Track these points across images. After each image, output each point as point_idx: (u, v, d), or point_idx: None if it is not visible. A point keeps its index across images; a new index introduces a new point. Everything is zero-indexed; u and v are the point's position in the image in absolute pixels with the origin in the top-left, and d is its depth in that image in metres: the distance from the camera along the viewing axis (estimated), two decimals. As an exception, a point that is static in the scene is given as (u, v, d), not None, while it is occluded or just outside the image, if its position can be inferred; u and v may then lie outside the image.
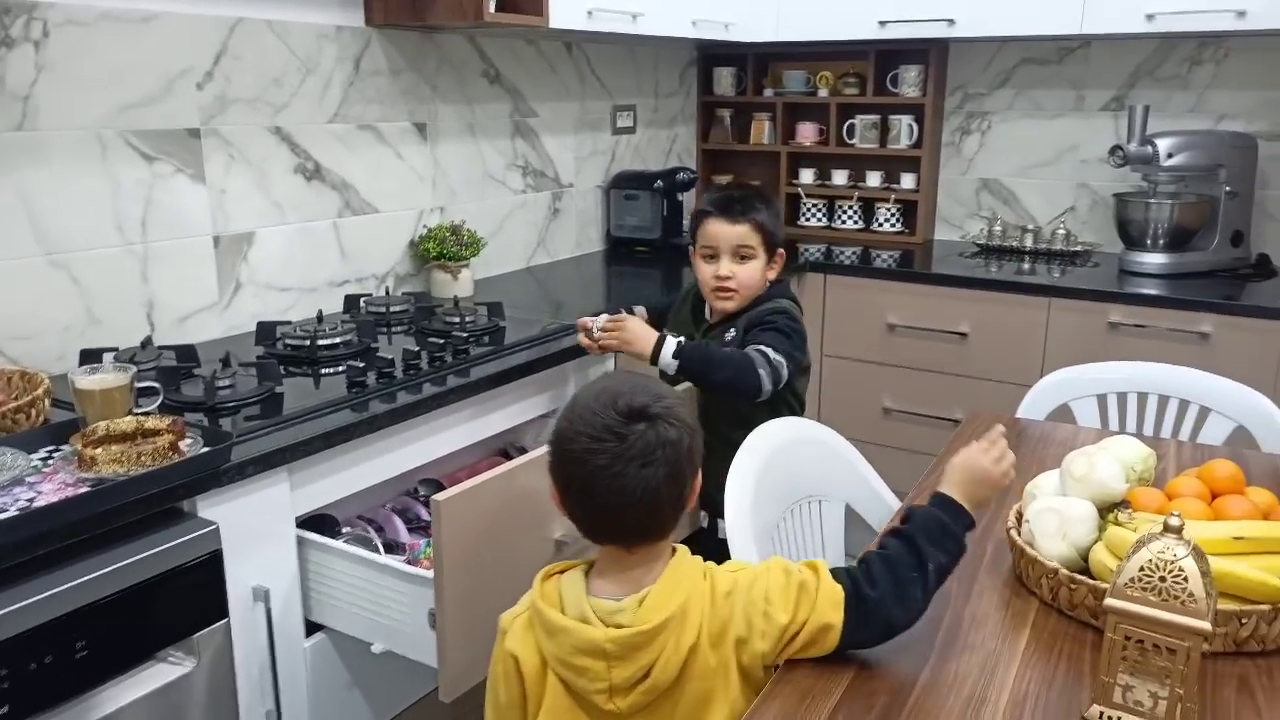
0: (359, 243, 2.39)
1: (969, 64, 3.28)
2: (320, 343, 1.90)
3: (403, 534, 1.78)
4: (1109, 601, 1.01)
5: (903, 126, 3.28)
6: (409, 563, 1.57)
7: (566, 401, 1.14)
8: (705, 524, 1.91)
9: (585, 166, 3.13)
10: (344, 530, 1.73)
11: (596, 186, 3.20)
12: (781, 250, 1.85)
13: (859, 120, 3.36)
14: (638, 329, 1.73)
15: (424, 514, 1.86)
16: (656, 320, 2.01)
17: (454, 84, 2.58)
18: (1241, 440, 1.91)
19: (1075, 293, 2.67)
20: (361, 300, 2.27)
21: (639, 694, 1.06)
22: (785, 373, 1.75)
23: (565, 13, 2.34)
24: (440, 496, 1.32)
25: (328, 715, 1.66)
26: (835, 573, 1.11)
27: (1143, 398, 2.06)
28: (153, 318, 1.97)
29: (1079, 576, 1.19)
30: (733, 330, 1.85)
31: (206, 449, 1.41)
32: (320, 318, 2.04)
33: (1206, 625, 0.96)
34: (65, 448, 1.43)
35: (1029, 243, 3.14)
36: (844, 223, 3.47)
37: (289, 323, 2.04)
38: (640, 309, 2.03)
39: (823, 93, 3.42)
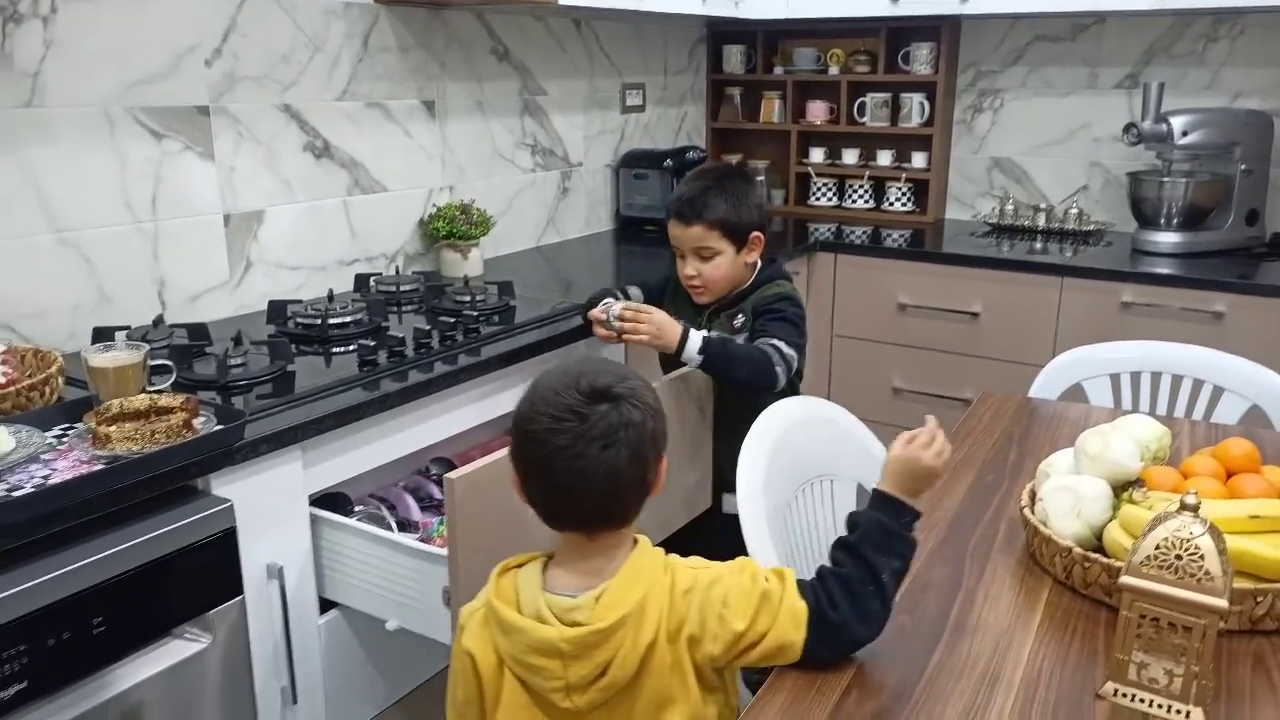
0: (368, 221, 2.38)
1: (981, 41, 3.24)
2: (331, 321, 1.90)
3: (415, 512, 1.79)
4: (1125, 579, 1.01)
5: (914, 105, 3.26)
6: (422, 541, 1.58)
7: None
8: (712, 503, 1.91)
9: (594, 145, 3.11)
10: (357, 509, 1.74)
11: (606, 165, 3.18)
12: (756, 234, 1.82)
13: (870, 98, 3.33)
14: (665, 322, 1.71)
15: (436, 492, 1.87)
16: (655, 299, 2.00)
17: (462, 61, 2.56)
18: (1256, 420, 1.90)
19: (1088, 272, 2.66)
20: (371, 279, 2.27)
21: (596, 691, 1.03)
22: (796, 365, 1.77)
23: (574, -12, 2.32)
24: (454, 475, 1.32)
25: (342, 691, 1.67)
26: (800, 587, 1.08)
27: (1156, 377, 2.05)
28: (164, 296, 1.97)
29: (1093, 555, 1.19)
30: (741, 316, 1.84)
31: (220, 427, 1.41)
32: (331, 297, 2.04)
33: (1223, 603, 0.96)
34: (79, 425, 1.43)
35: (1041, 222, 3.11)
36: (854, 202, 3.45)
37: (300, 302, 2.04)
38: (635, 290, 2.03)
39: (833, 70, 3.39)
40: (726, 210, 1.77)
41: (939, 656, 1.10)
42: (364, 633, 1.68)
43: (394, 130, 2.41)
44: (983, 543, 1.36)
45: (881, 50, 3.27)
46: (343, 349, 1.83)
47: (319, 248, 2.27)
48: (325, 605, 1.63)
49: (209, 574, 1.39)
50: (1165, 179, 2.77)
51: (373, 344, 1.81)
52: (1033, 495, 1.35)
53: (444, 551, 1.40)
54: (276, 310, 1.99)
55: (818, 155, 3.48)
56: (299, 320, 1.94)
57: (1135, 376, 2.06)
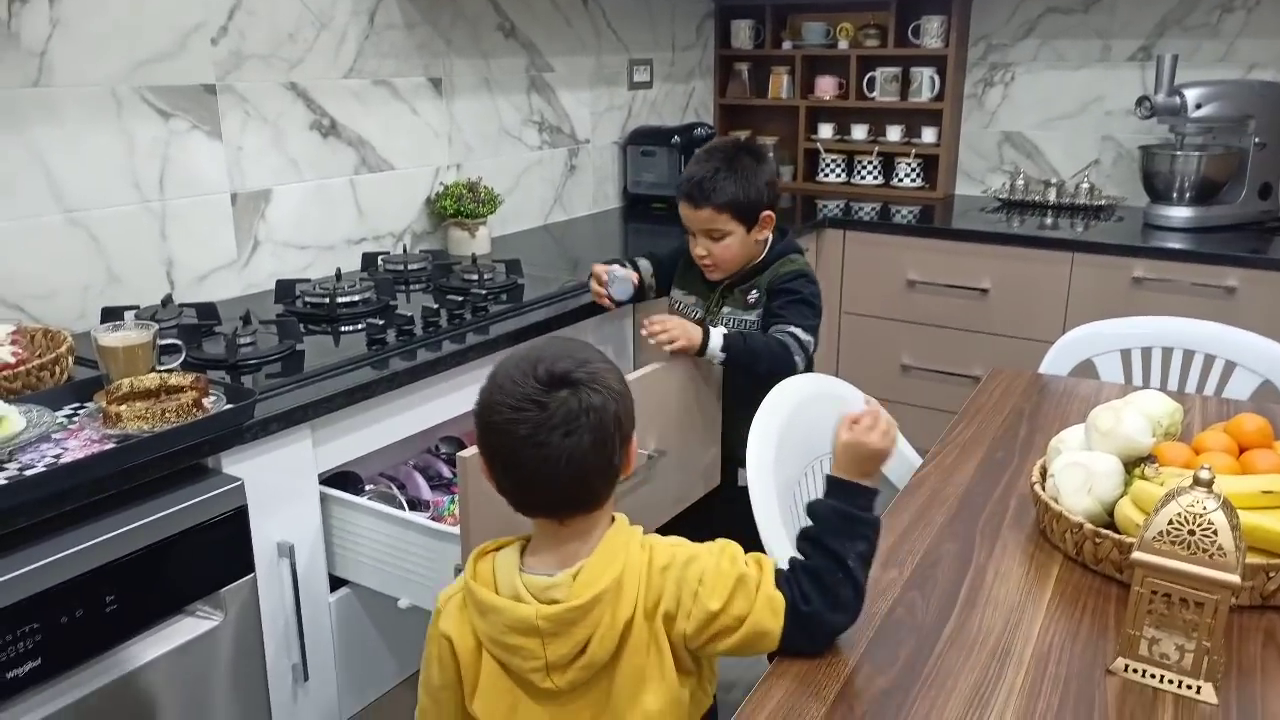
0: (375, 200, 2.38)
1: (992, 14, 3.21)
2: (339, 301, 1.90)
3: (425, 491, 1.79)
4: (1137, 555, 1.01)
5: (924, 79, 3.23)
6: (433, 519, 1.58)
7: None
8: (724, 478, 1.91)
9: (602, 122, 3.09)
10: (367, 488, 1.74)
11: (613, 143, 3.16)
12: (767, 213, 1.81)
13: (879, 73, 3.30)
14: (687, 327, 1.72)
15: (445, 471, 1.87)
16: (665, 271, 2.00)
17: (469, 38, 2.54)
18: (1268, 395, 1.89)
19: (1099, 247, 2.64)
20: (379, 258, 2.27)
21: (576, 670, 1.03)
22: (813, 348, 1.78)
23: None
24: (466, 453, 1.32)
25: (353, 668, 1.68)
26: (777, 577, 1.07)
27: (1167, 353, 2.04)
28: (172, 276, 1.98)
29: (1104, 531, 1.18)
30: (755, 291, 1.83)
31: (230, 406, 1.41)
32: (339, 276, 2.04)
33: (1236, 579, 0.96)
34: (90, 405, 1.44)
35: (1052, 197, 3.09)
36: (863, 178, 3.42)
37: (308, 281, 2.05)
38: (644, 262, 2.03)
39: (843, 45, 3.36)
40: (735, 191, 1.76)
41: (949, 632, 1.10)
42: (374, 610, 1.69)
43: (401, 108, 2.40)
44: (993, 519, 1.36)
45: (891, 24, 3.24)
46: (351, 328, 1.83)
47: (326, 227, 2.27)
48: (335, 583, 1.64)
49: (220, 552, 1.40)
50: (1178, 153, 2.75)
51: (381, 323, 1.81)
52: (1043, 471, 1.34)
53: (456, 530, 1.41)
54: (284, 289, 1.99)
55: (826, 131, 3.45)
56: (307, 299, 1.94)
57: (1146, 352, 2.05)
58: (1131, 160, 3.04)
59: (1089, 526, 1.20)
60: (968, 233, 2.83)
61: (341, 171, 2.29)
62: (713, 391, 1.82)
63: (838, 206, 3.16)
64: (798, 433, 1.55)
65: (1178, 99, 2.64)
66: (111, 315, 1.72)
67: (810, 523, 1.13)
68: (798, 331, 1.76)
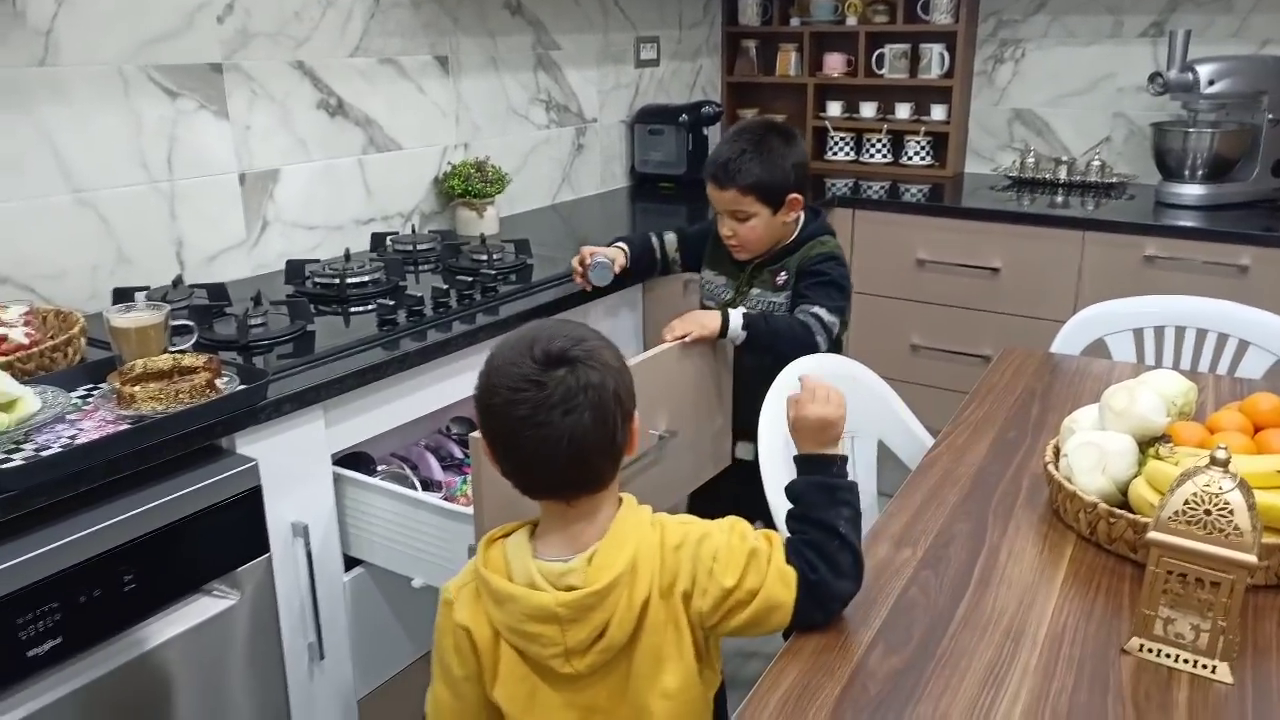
0: (383, 180, 2.37)
1: (1003, -11, 3.18)
2: (349, 281, 1.90)
3: (437, 472, 1.80)
4: (1152, 535, 1.01)
5: (934, 55, 3.20)
6: (445, 499, 1.59)
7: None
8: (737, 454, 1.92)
9: (609, 101, 3.08)
10: (379, 468, 1.75)
11: (620, 121, 3.15)
12: (793, 196, 1.80)
13: (888, 50, 3.27)
14: (700, 319, 1.73)
15: (457, 452, 1.88)
16: (693, 247, 2.00)
17: (475, 16, 2.53)
18: (1280, 374, 1.89)
19: (1110, 226, 2.62)
20: (388, 239, 2.26)
21: (596, 654, 1.03)
22: (837, 329, 1.78)
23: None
24: (478, 434, 1.32)
25: (367, 647, 1.69)
26: (785, 551, 1.08)
27: (1179, 332, 2.03)
28: (182, 256, 1.97)
29: (1118, 510, 1.18)
30: (784, 273, 1.83)
31: (243, 386, 1.42)
32: (348, 256, 2.03)
33: (1252, 558, 0.96)
34: (103, 386, 1.44)
35: (1063, 175, 3.07)
36: (872, 156, 3.40)
37: (317, 261, 2.04)
38: (670, 235, 2.03)
39: (851, 21, 3.33)
40: (761, 173, 1.76)
41: (963, 612, 1.11)
42: (388, 589, 1.70)
43: (408, 87, 2.39)
44: (1005, 499, 1.36)
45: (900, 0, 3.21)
46: (361, 308, 1.83)
47: (335, 207, 2.26)
48: (350, 563, 1.65)
49: (236, 532, 1.41)
50: (1190, 129, 2.73)
51: (391, 303, 1.81)
52: (1057, 451, 1.34)
53: (469, 510, 1.41)
54: (294, 270, 1.99)
55: (835, 109, 3.42)
56: (317, 280, 1.94)
57: (1159, 331, 2.04)
58: (1143, 137, 3.02)
59: (1103, 506, 1.20)
60: (978, 211, 2.81)
61: (349, 151, 2.28)
62: (723, 371, 1.82)
63: (846, 185, 3.15)
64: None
65: (1190, 75, 2.62)
66: (123, 296, 1.72)
67: (792, 506, 1.15)
68: (820, 312, 1.75)
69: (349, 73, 2.24)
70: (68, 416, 1.34)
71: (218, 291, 1.81)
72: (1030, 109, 3.24)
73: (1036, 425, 1.60)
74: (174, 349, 1.52)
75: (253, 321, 1.67)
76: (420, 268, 2.14)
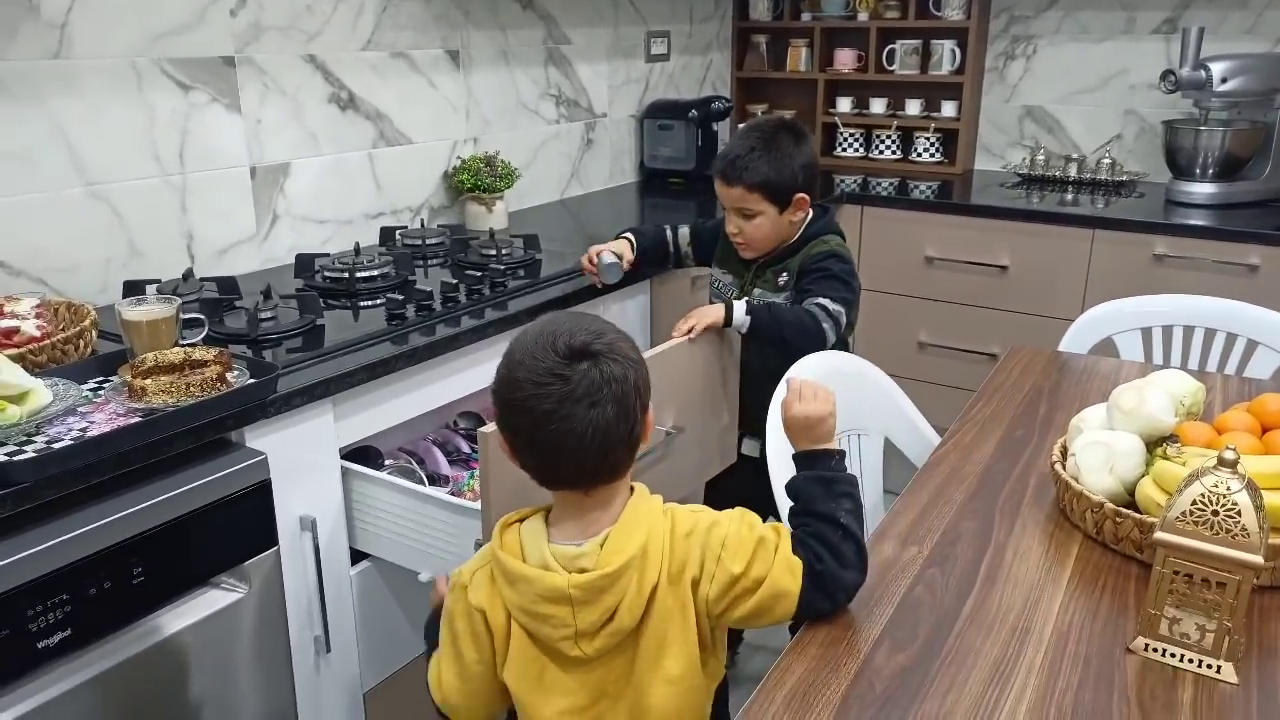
0: (393, 174, 2.37)
1: (1015, -15, 3.17)
2: (359, 275, 1.91)
3: (444, 466, 1.80)
4: (1159, 535, 1.01)
5: (945, 51, 3.19)
6: (452, 494, 1.59)
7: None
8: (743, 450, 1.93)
9: (619, 96, 3.08)
10: (386, 462, 1.76)
11: (630, 116, 3.15)
12: (800, 195, 1.80)
13: (899, 45, 3.27)
14: (708, 310, 1.74)
15: (464, 446, 1.88)
16: (706, 243, 2.00)
17: (486, 9, 2.53)
18: (1290, 374, 1.88)
19: (1120, 224, 2.61)
20: (397, 233, 2.27)
21: (605, 637, 1.04)
22: (845, 320, 1.77)
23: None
24: (487, 429, 1.32)
25: (374, 640, 1.70)
26: (792, 542, 1.09)
27: (1188, 331, 2.03)
28: (192, 250, 1.98)
29: (1125, 510, 1.18)
30: (785, 274, 1.83)
31: (253, 380, 1.42)
32: (358, 250, 2.04)
33: (1259, 559, 0.96)
34: (115, 379, 1.45)
35: (1073, 172, 3.06)
36: (881, 153, 3.40)
37: (327, 255, 2.05)
38: (684, 229, 2.04)
39: (862, 16, 3.32)
40: (768, 172, 1.76)
41: (969, 610, 1.11)
42: (395, 584, 1.70)
43: (418, 81, 2.39)
44: (1012, 497, 1.36)
45: (912, -5, 3.21)
46: (370, 303, 1.84)
47: (345, 201, 2.27)
48: (357, 557, 1.66)
49: (245, 525, 1.42)
50: (1202, 128, 2.71)
51: (400, 298, 1.82)
52: (1064, 450, 1.34)
53: (476, 505, 1.42)
54: (304, 264, 1.99)
55: (845, 105, 3.42)
56: (326, 274, 1.94)
57: (1167, 330, 2.04)
58: (1154, 135, 3.00)
59: (1110, 506, 1.20)
60: (987, 209, 2.81)
61: (359, 145, 2.28)
62: (730, 368, 1.82)
63: (855, 181, 3.14)
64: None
65: (1203, 73, 2.61)
66: (134, 289, 1.73)
67: (792, 503, 1.17)
68: (825, 301, 1.74)
69: (360, 66, 2.24)
70: (79, 409, 1.35)
71: (228, 285, 1.82)
72: (1041, 106, 3.23)
73: (1044, 424, 1.59)
74: (185, 342, 1.52)
75: (263, 315, 1.67)
76: (429, 262, 2.15)
